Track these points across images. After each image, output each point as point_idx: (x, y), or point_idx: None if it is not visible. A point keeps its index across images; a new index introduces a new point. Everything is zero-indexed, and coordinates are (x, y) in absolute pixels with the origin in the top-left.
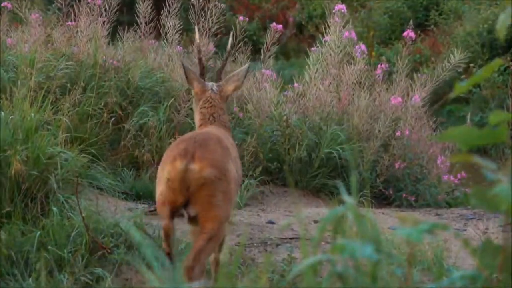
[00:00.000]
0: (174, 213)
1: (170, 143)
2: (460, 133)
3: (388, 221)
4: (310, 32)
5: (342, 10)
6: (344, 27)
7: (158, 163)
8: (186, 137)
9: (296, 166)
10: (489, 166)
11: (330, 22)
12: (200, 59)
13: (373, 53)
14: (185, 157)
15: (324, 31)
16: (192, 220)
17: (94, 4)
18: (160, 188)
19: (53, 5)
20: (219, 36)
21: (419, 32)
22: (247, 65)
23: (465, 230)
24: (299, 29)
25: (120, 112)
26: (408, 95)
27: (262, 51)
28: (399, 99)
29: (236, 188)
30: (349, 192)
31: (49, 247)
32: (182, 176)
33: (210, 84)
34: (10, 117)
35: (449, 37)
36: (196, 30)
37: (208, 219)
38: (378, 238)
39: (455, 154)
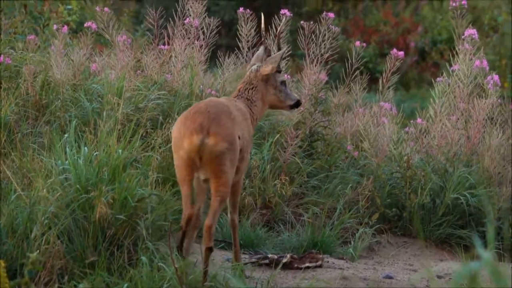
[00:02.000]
0: (192, 176)
1: (274, 185)
2: None
3: None
4: (434, 59)
5: (473, 36)
6: (474, 54)
7: (261, 208)
8: (202, 108)
9: (418, 213)
10: None
11: (458, 49)
12: (265, 47)
13: (506, 85)
14: (201, 132)
15: (451, 59)
16: (205, 182)
17: (191, 25)
18: (177, 155)
19: (143, 26)
20: (332, 63)
21: None
22: (284, 49)
23: None
24: (421, 56)
25: None
26: None
27: (380, 81)
28: None
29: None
30: (483, 245)
31: None
32: (198, 149)
33: (252, 65)
34: (95, 154)
35: None
36: (262, 17)
37: (220, 184)
38: None
39: None
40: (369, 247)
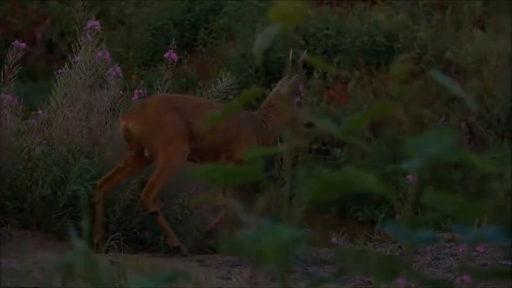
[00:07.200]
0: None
1: None
2: (213, 171)
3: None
4: (62, 51)
5: (96, 27)
6: (97, 46)
7: None
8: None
9: (39, 205)
10: (236, 207)
11: (81, 41)
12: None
13: (133, 76)
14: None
15: (75, 50)
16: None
17: None
18: None
19: None
20: None
21: (186, 53)
22: (298, 74)
23: (229, 278)
24: (49, 47)
25: None
26: None
27: (2, 72)
28: None
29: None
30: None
31: None
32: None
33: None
34: None
35: (220, 59)
36: (305, 52)
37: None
38: (114, 286)
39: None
40: None
